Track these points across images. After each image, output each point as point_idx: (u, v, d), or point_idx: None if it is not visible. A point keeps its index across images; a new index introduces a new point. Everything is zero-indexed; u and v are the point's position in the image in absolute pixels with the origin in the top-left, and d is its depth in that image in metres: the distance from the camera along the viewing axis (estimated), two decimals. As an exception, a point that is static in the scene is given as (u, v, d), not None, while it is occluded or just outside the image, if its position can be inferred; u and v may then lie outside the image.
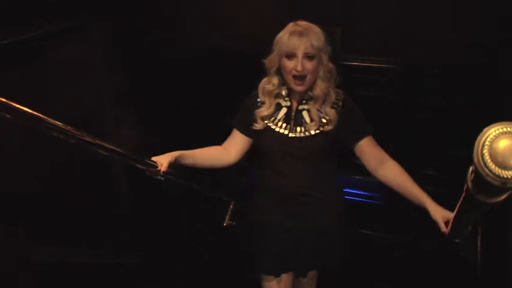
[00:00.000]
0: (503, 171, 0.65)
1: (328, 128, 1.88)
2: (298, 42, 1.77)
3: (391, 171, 1.90)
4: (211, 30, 3.11)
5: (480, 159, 0.66)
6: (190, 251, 2.97)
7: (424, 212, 1.78)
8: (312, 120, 1.89)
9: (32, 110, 1.41)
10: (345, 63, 3.03)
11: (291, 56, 1.80)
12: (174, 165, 1.89)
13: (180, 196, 2.85)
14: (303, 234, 2.03)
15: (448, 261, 2.59)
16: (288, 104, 1.93)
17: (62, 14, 1.85)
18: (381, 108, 2.99)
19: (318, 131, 1.89)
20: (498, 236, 2.16)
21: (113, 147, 1.74)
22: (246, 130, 2.01)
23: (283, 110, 1.93)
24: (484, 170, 0.67)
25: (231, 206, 2.70)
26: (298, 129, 1.91)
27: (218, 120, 2.16)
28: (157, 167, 1.83)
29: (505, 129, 0.66)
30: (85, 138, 1.61)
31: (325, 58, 1.84)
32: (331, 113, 1.88)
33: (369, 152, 1.92)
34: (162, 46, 2.87)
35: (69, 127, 1.52)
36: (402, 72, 3.01)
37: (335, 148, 1.96)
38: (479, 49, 2.66)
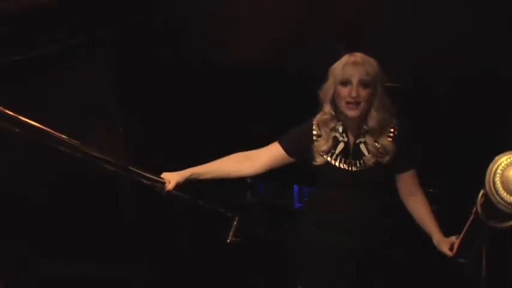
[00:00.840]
0: None
1: (386, 159, 1.91)
2: (353, 70, 1.80)
3: (418, 206, 2.01)
4: (218, 44, 3.14)
5: (492, 186, 0.68)
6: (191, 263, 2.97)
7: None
8: (369, 152, 1.92)
9: (40, 124, 1.43)
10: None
11: (345, 83, 1.82)
12: (184, 184, 1.91)
13: (186, 210, 2.86)
14: (353, 256, 2.05)
15: (453, 278, 2.57)
16: (345, 139, 1.94)
17: (69, 31, 1.88)
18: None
19: (376, 163, 1.92)
20: (503, 253, 2.16)
21: (120, 163, 1.76)
22: (294, 154, 2.02)
23: (341, 145, 1.94)
24: (495, 198, 0.69)
25: (235, 223, 2.70)
26: (357, 163, 1.93)
27: (224, 132, 2.17)
28: (164, 183, 1.85)
29: None
30: (92, 154, 1.63)
31: (380, 89, 1.86)
32: (388, 145, 1.90)
33: (408, 182, 2.01)
34: (167, 59, 2.93)
35: (75, 141, 1.54)
36: (409, 89, 3.02)
37: (392, 175, 2.02)
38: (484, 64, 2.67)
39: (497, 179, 0.68)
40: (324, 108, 1.93)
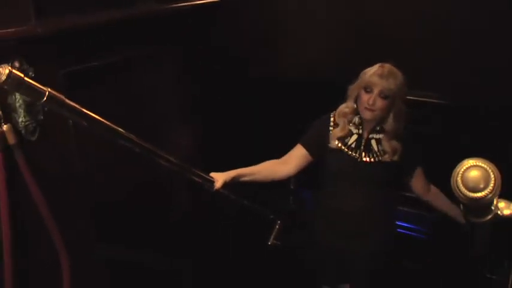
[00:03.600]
0: (471, 194, 0.86)
1: (394, 158, 2.10)
2: (378, 81, 1.99)
3: (435, 198, 2.30)
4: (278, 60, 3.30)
5: (455, 184, 0.89)
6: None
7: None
8: (379, 149, 2.11)
9: (106, 120, 1.65)
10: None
11: (368, 90, 2.02)
12: (230, 183, 2.09)
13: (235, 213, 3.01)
14: (357, 252, 2.24)
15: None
16: (360, 132, 2.13)
17: (140, 42, 2.09)
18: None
19: (384, 160, 2.11)
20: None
21: (175, 161, 1.96)
22: (312, 149, 2.21)
23: (354, 137, 2.14)
24: (457, 193, 0.89)
25: (277, 226, 2.82)
26: (368, 155, 2.12)
27: (275, 143, 2.33)
28: (213, 182, 2.04)
29: (474, 163, 0.88)
30: (149, 148, 1.84)
31: (398, 101, 2.05)
32: (398, 146, 2.10)
33: (418, 179, 2.25)
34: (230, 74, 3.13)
35: (134, 136, 1.75)
36: (445, 107, 3.05)
37: (396, 177, 2.20)
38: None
39: (459, 179, 0.87)
40: (347, 102, 2.13)
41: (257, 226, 2.85)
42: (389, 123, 2.07)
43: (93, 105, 1.60)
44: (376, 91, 2.00)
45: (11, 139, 1.55)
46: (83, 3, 1.81)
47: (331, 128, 2.17)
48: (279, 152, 2.30)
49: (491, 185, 0.84)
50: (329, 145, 2.16)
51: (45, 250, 1.75)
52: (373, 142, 2.13)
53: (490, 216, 0.92)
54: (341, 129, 2.13)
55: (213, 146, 2.77)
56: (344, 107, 2.15)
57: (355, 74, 2.13)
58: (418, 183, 2.26)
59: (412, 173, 2.23)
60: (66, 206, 1.81)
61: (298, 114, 2.66)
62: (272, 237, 2.78)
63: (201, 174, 2.03)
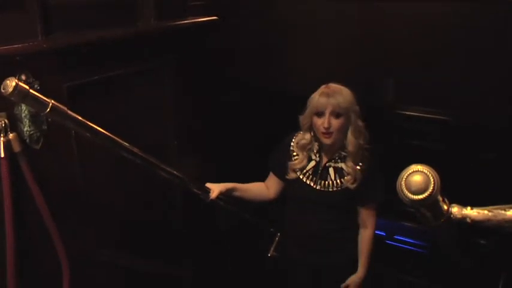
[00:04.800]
0: (413, 196, 0.93)
1: (350, 185, 2.07)
2: (326, 102, 1.98)
3: (363, 240, 2.22)
4: (277, 73, 3.36)
5: (399, 188, 0.95)
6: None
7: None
8: (335, 177, 2.10)
9: (108, 132, 1.74)
10: (399, 112, 3.16)
11: (319, 114, 2.01)
12: (224, 195, 2.15)
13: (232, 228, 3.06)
14: (320, 269, 2.27)
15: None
16: (318, 159, 2.13)
17: (140, 56, 2.20)
18: (424, 158, 3.06)
19: (339, 188, 2.09)
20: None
21: (173, 171, 2.04)
22: (280, 175, 2.25)
23: (312, 163, 2.14)
24: (402, 196, 0.94)
25: (277, 238, 2.86)
26: (323, 183, 2.11)
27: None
28: (209, 192, 2.10)
29: (416, 169, 0.95)
30: (150, 160, 1.92)
31: (354, 116, 2.03)
32: (357, 172, 2.07)
33: (363, 215, 2.20)
34: (228, 86, 3.20)
35: (137, 149, 1.84)
36: (450, 123, 3.07)
37: (354, 202, 2.17)
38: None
39: (403, 182, 0.94)
40: (303, 133, 2.12)
41: (256, 236, 2.89)
42: (351, 142, 2.03)
43: (95, 116, 1.69)
44: (327, 112, 1.98)
45: (16, 147, 1.66)
46: (86, 21, 1.93)
47: (292, 155, 2.17)
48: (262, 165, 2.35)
49: (430, 188, 0.91)
50: (289, 174, 2.18)
51: (46, 254, 1.83)
52: (331, 170, 2.11)
53: (442, 220, 0.97)
54: (299, 162, 2.14)
55: (215, 162, 2.84)
56: (301, 139, 2.13)
57: (358, 92, 2.10)
58: (361, 216, 2.20)
59: (362, 205, 2.18)
60: (68, 212, 1.90)
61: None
62: (272, 249, 2.82)
63: (197, 183, 2.11)
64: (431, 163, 2.50)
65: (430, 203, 0.92)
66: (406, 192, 0.92)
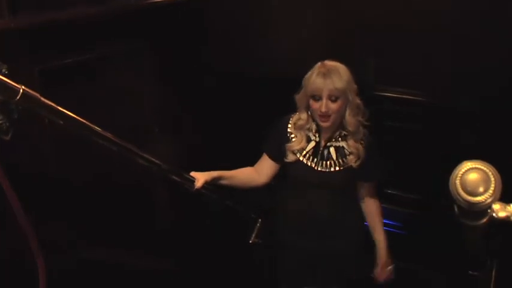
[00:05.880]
0: (470, 197, 0.83)
1: (353, 163, 2.01)
2: (322, 85, 1.88)
3: (369, 211, 2.21)
4: (256, 57, 3.25)
5: (453, 187, 0.85)
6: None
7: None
8: (337, 156, 2.03)
9: (83, 119, 1.62)
10: (378, 93, 3.13)
11: (316, 97, 1.91)
12: (210, 183, 2.05)
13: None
14: (319, 255, 2.18)
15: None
16: (317, 139, 2.05)
17: (117, 38, 2.06)
18: (405, 139, 3.06)
19: (342, 167, 2.03)
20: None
21: (153, 159, 1.92)
22: (276, 157, 2.15)
23: (312, 144, 2.05)
24: (455, 196, 0.85)
25: (258, 224, 2.81)
26: (324, 163, 2.03)
27: (253, 143, 2.29)
28: (193, 182, 2.00)
29: (474, 166, 0.85)
30: (127, 147, 1.80)
31: (351, 96, 1.94)
32: (359, 148, 2.00)
33: (366, 191, 2.18)
34: (209, 71, 3.09)
35: (111, 135, 1.72)
36: (430, 105, 3.07)
37: (357, 179, 2.13)
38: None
39: (458, 182, 0.84)
40: (300, 113, 2.04)
41: (238, 224, 2.83)
42: (350, 122, 1.97)
43: (70, 103, 1.56)
44: (324, 96, 1.88)
45: (-17, 139, 1.51)
46: (56, 0, 1.78)
47: (290, 137, 2.08)
48: (252, 151, 2.27)
49: (492, 189, 0.82)
50: (288, 157, 2.09)
51: (20, 252, 1.71)
52: (332, 150, 2.04)
53: (485, 220, 0.90)
54: (298, 142, 2.05)
55: (192, 146, 2.74)
56: (298, 119, 2.06)
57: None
58: (363, 193, 2.19)
59: (364, 181, 2.15)
60: (41, 206, 1.77)
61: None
62: (253, 235, 2.77)
63: (181, 173, 2.00)
64: (407, 144, 2.50)
65: (487, 205, 0.83)
66: (462, 192, 0.82)
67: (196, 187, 1.99)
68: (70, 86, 1.84)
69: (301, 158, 2.06)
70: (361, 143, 2.02)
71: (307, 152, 2.06)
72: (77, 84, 1.91)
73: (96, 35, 1.95)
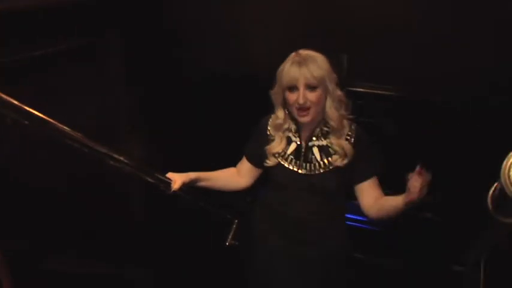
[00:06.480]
0: None
1: (340, 163, 1.82)
2: (298, 74, 1.71)
3: (382, 204, 1.85)
4: (228, 52, 3.16)
5: (507, 179, 0.76)
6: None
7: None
8: (322, 157, 1.86)
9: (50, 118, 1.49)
10: (351, 89, 3.10)
11: (292, 88, 1.75)
12: (188, 185, 1.93)
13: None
14: (303, 260, 2.02)
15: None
16: (298, 140, 1.89)
17: (82, 31, 1.93)
18: (381, 135, 3.04)
19: (327, 169, 1.85)
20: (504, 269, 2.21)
21: (127, 161, 1.81)
22: (256, 161, 2.02)
23: (293, 146, 1.89)
24: (509, 189, 0.75)
25: (234, 226, 2.72)
26: (308, 166, 1.87)
27: (231, 142, 2.20)
28: (170, 183, 1.88)
29: None
30: (98, 148, 1.68)
31: (331, 86, 1.77)
32: (347, 147, 1.82)
33: (369, 193, 1.88)
34: (179, 66, 2.97)
35: (81, 135, 1.60)
36: (406, 101, 3.05)
37: (345, 182, 1.90)
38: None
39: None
40: (276, 112, 1.88)
41: (213, 226, 2.74)
42: (332, 116, 1.79)
43: (32, 101, 1.44)
44: (301, 86, 1.72)
45: None
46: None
47: (269, 137, 1.92)
48: (234, 150, 2.17)
49: None
50: (268, 160, 1.91)
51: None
52: (315, 150, 1.86)
53: None
54: (277, 144, 1.89)
55: (159, 146, 2.63)
56: (275, 119, 1.89)
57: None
58: (367, 197, 1.87)
59: (362, 181, 1.87)
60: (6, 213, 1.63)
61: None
62: (230, 237, 2.68)
63: (156, 174, 1.89)
64: (380, 140, 2.46)
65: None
66: None
67: (173, 189, 1.87)
68: (33, 83, 1.70)
69: (282, 162, 1.91)
70: (347, 140, 1.85)
71: (288, 155, 1.90)
72: (41, 80, 1.77)
73: (60, 28, 1.82)
